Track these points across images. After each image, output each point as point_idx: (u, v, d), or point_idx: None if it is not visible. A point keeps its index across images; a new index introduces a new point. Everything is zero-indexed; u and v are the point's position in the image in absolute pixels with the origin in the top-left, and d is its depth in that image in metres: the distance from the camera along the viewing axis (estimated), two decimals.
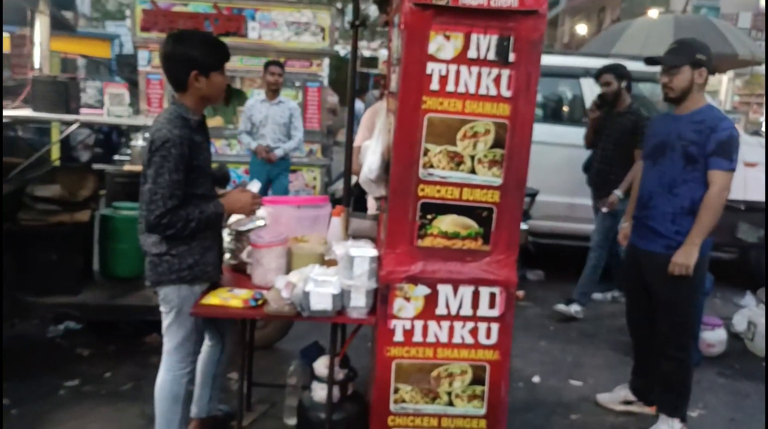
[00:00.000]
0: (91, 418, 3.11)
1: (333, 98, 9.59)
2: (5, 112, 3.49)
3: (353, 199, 3.36)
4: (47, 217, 3.45)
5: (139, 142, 5.38)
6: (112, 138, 8.44)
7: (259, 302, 2.40)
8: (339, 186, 6.72)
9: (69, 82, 3.50)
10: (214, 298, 2.40)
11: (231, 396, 3.29)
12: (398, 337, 2.39)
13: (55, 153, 4.11)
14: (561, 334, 4.64)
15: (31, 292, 3.49)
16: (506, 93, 2.25)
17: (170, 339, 2.51)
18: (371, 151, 2.39)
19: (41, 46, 4.33)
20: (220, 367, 2.85)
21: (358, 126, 3.76)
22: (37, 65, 4.34)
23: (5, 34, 9.04)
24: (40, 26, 4.24)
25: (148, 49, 6.81)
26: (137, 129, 4.32)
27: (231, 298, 2.41)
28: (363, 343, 3.18)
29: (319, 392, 2.60)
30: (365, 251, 2.35)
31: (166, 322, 2.50)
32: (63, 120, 3.59)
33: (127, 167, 5.08)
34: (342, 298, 2.33)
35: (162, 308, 2.49)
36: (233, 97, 7.04)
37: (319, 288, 2.30)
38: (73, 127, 3.58)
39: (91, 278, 3.88)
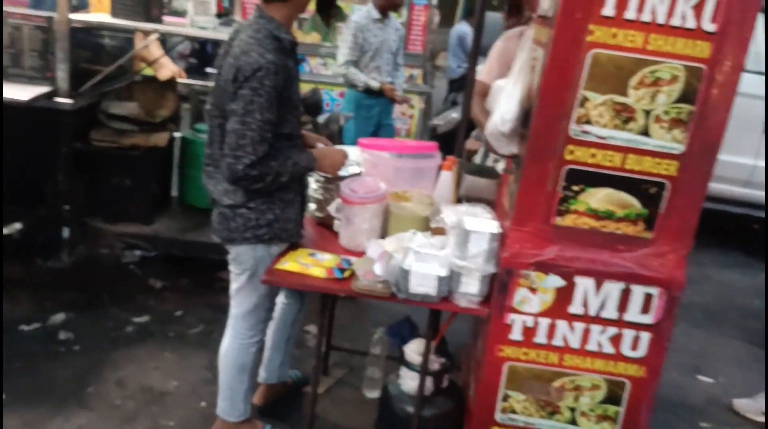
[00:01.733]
0: (153, 363, 2.83)
1: (436, 18, 8.82)
2: (82, 16, 3.10)
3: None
4: (121, 139, 3.10)
5: None
6: (206, 47, 8.07)
7: (346, 274, 1.93)
8: (439, 121, 6.11)
9: None
10: (293, 264, 1.96)
11: (305, 353, 2.93)
12: (515, 335, 1.88)
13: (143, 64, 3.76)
14: (683, 314, 3.99)
15: (101, 218, 3.21)
16: (709, 27, 1.59)
17: (239, 303, 2.12)
18: (506, 94, 1.81)
19: None
20: (295, 328, 2.46)
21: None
22: None
23: None
24: None
25: None
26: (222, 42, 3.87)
27: (312, 265, 1.96)
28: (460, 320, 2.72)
29: (409, 382, 2.16)
30: (485, 225, 1.82)
31: (235, 284, 2.10)
32: (139, 28, 3.17)
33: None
34: (450, 281, 1.83)
35: (232, 268, 2.08)
36: (333, 8, 6.38)
37: (422, 265, 1.81)
38: (152, 37, 3.17)
39: (167, 207, 3.57)
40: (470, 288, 1.83)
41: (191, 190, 3.58)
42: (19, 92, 2.67)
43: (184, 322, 3.18)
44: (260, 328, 2.18)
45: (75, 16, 2.88)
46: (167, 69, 3.75)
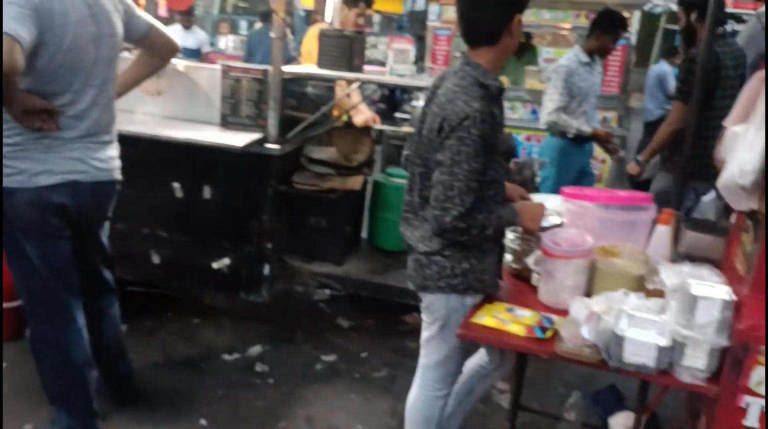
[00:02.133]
0: (339, 404, 2.87)
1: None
2: (293, 68, 3.33)
3: None
4: (320, 182, 3.25)
5: (420, 102, 5.07)
6: (395, 93, 8.40)
7: (548, 334, 1.79)
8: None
9: (355, 36, 3.20)
10: (489, 318, 1.86)
11: (491, 410, 2.80)
12: (751, 421, 1.60)
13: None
14: None
15: (298, 257, 3.37)
16: None
17: (429, 354, 2.06)
18: (746, 142, 1.58)
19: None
20: (483, 384, 2.33)
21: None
22: (327, 19, 4.20)
23: None
24: None
25: (439, 2, 6.46)
26: (420, 89, 3.95)
27: (511, 322, 1.84)
28: None
29: None
30: (715, 290, 1.59)
31: (426, 333, 2.04)
32: (343, 78, 3.33)
33: (405, 129, 4.82)
34: (671, 352, 1.61)
35: (424, 317, 2.04)
36: (527, 50, 6.29)
37: (639, 332, 1.61)
38: (354, 86, 3.30)
39: (357, 248, 3.66)
40: (696, 362, 1.60)
41: (381, 233, 3.64)
42: (235, 139, 2.91)
43: (369, 364, 3.20)
44: (449, 381, 2.09)
45: (287, 68, 3.08)
46: (364, 115, 3.90)
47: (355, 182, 3.34)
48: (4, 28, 1.81)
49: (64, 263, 2.23)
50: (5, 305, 2.96)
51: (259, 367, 3.08)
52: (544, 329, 1.80)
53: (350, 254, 3.54)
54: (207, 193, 3.07)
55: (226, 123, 3.10)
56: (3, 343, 3.03)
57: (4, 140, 2.06)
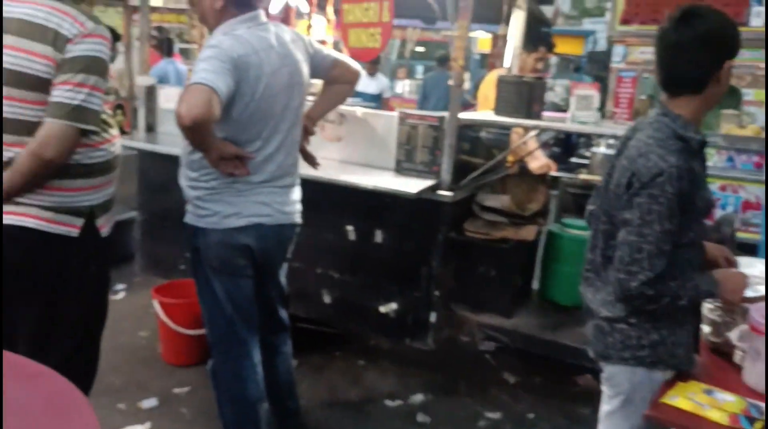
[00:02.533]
0: None
1: None
2: (469, 115, 3.31)
3: None
4: (492, 231, 3.15)
5: (601, 148, 4.82)
6: (571, 137, 8.09)
7: (756, 426, 1.53)
8: None
9: (534, 82, 3.11)
10: (683, 400, 1.64)
11: None
12: None
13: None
14: None
15: (465, 306, 3.28)
16: None
17: None
18: None
19: (514, 43, 4.12)
20: None
21: None
22: (506, 64, 4.15)
23: (487, 35, 9.48)
24: (516, 22, 4.00)
25: (625, 43, 6.15)
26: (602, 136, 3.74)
27: (709, 407, 1.60)
28: None
29: None
30: None
31: (607, 407, 1.85)
32: (521, 125, 3.24)
33: (583, 176, 4.58)
34: None
35: (605, 389, 1.85)
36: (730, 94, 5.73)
37: None
38: (532, 133, 3.20)
39: (527, 300, 3.50)
40: None
41: (554, 286, 3.45)
42: (409, 185, 2.92)
43: (536, 428, 3.01)
44: None
45: (463, 115, 3.06)
46: (539, 162, 3.76)
47: (528, 232, 3.20)
48: (204, 80, 1.97)
49: (246, 301, 2.35)
50: (194, 332, 3.20)
51: (420, 417, 3.02)
52: (751, 420, 1.55)
53: (520, 306, 3.39)
54: (379, 237, 3.11)
55: (401, 169, 3.13)
56: (189, 367, 3.28)
57: (202, 185, 2.23)
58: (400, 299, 3.13)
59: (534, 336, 3.20)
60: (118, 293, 4.19)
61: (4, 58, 1.81)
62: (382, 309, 3.16)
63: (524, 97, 3.11)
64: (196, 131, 1.98)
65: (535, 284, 3.62)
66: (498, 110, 3.15)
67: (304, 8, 3.93)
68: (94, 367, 2.27)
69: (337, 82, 2.51)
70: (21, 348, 2.05)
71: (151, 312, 3.38)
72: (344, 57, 2.51)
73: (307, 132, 2.52)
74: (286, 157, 2.32)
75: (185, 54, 10.38)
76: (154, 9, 7.38)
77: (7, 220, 1.91)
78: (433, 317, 3.09)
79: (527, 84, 3.12)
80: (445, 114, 3.02)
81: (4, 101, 1.85)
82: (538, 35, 4.22)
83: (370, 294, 3.18)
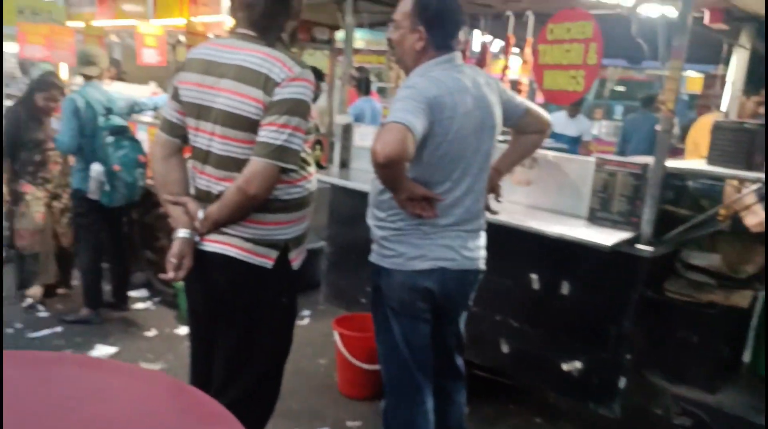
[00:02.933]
0: None
1: None
2: (677, 163, 3.02)
3: None
4: (697, 293, 2.82)
5: None
6: None
7: None
8: None
9: (756, 129, 2.75)
10: None
11: None
12: None
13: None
14: None
15: (659, 374, 2.95)
16: None
17: None
18: None
19: (733, 85, 3.72)
20: None
21: None
22: (723, 108, 3.75)
23: (698, 75, 8.78)
24: (737, 62, 3.61)
25: None
26: None
27: None
28: None
29: None
30: None
31: None
32: (740, 178, 2.88)
33: None
34: None
35: None
36: None
37: None
38: (753, 187, 2.83)
39: (735, 375, 3.06)
40: None
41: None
42: (603, 236, 2.71)
43: None
44: None
45: (671, 164, 2.79)
46: (758, 218, 3.31)
47: (741, 298, 2.81)
48: (400, 119, 1.98)
49: (423, 345, 2.31)
50: (370, 366, 3.23)
51: None
52: None
53: (726, 381, 2.97)
54: (565, 288, 2.92)
55: (594, 218, 2.92)
56: (363, 401, 3.31)
57: (389, 225, 2.24)
58: (584, 358, 2.90)
59: (742, 417, 2.78)
60: (304, 319, 4.40)
61: (224, 101, 1.98)
62: (565, 366, 2.95)
63: (744, 145, 2.77)
64: (389, 169, 2.00)
65: (747, 357, 3.16)
66: (711, 159, 2.83)
67: (500, 48, 3.90)
68: (277, 393, 2.36)
69: (528, 132, 2.42)
70: (216, 369, 2.20)
71: (332, 341, 3.48)
72: (536, 106, 2.42)
73: (493, 186, 2.45)
74: (474, 201, 2.26)
75: (382, 93, 10.89)
76: (357, 51, 7.84)
77: (214, 248, 2.07)
78: (621, 382, 2.81)
79: (748, 131, 2.78)
80: (650, 161, 2.77)
81: (220, 140, 2.01)
82: (760, 77, 3.78)
83: (551, 348, 2.99)
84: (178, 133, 2.15)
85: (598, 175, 2.93)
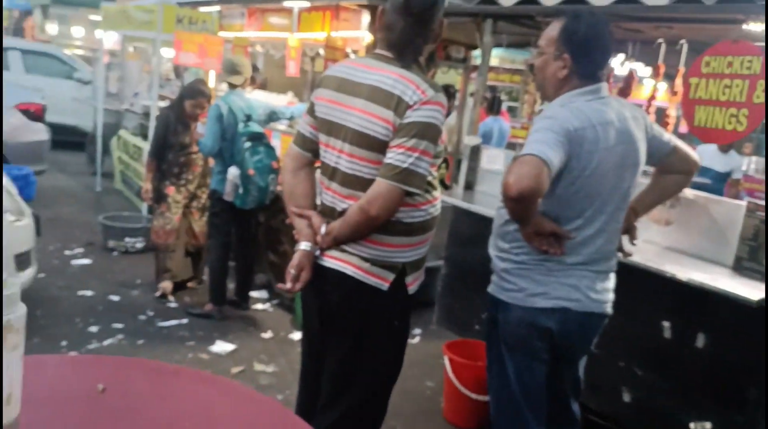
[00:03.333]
0: None
1: None
2: None
3: None
4: None
5: None
6: None
7: None
8: None
9: None
10: None
11: None
12: None
13: None
14: None
15: None
16: None
17: None
18: None
19: None
20: None
21: None
22: None
23: None
24: None
25: None
26: None
27: None
28: None
29: None
30: None
31: None
32: None
33: None
34: None
35: None
36: None
37: None
38: None
39: None
40: None
41: None
42: (749, 289, 2.46)
43: None
44: None
45: None
46: None
47: None
48: (537, 152, 1.89)
49: (537, 385, 2.19)
50: (479, 397, 3.13)
51: None
52: None
53: None
54: (701, 341, 2.67)
55: (741, 268, 2.67)
56: None
57: (512, 257, 2.15)
58: (716, 419, 2.64)
59: None
60: (414, 337, 4.36)
61: (355, 119, 1.98)
62: (692, 425, 2.69)
63: None
64: (520, 203, 1.92)
65: None
66: None
67: (650, 74, 3.66)
68: (382, 414, 2.33)
69: (673, 171, 2.25)
70: (324, 384, 2.20)
71: (441, 363, 3.41)
72: (685, 145, 2.24)
73: (629, 226, 2.29)
74: (607, 241, 2.12)
75: (512, 112, 10.68)
76: (491, 68, 7.74)
77: (332, 264, 2.08)
78: None
79: None
80: None
81: (348, 158, 2.02)
82: None
83: (679, 403, 2.75)
84: (310, 147, 2.18)
85: (749, 221, 2.67)
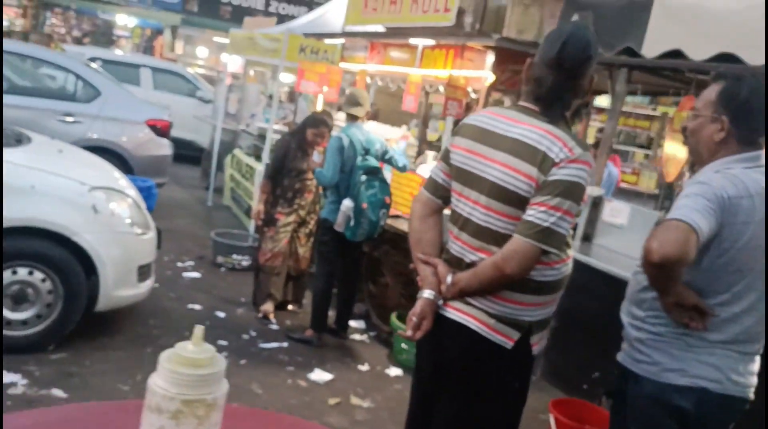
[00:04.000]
0: None
1: None
2: None
3: None
4: None
5: None
6: None
7: None
8: None
9: None
10: None
11: None
12: None
13: None
14: None
15: None
16: None
17: None
18: None
19: None
20: None
21: None
22: None
23: None
24: None
25: None
26: None
27: None
28: None
29: None
30: None
31: None
32: None
33: None
34: None
35: None
36: None
37: None
38: None
39: None
40: None
41: None
42: None
43: None
44: None
45: None
46: None
47: None
48: (685, 218, 1.78)
49: None
50: None
51: None
52: None
53: None
54: None
55: None
56: None
57: (648, 327, 2.02)
58: None
59: None
60: None
61: (495, 172, 1.94)
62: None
63: None
64: (662, 271, 1.81)
65: None
66: None
67: None
68: None
69: None
70: None
71: (542, 419, 3.27)
72: None
73: None
74: (757, 321, 1.95)
75: (623, 156, 10.31)
76: (624, 113, 7.49)
77: (456, 316, 2.02)
78: None
79: None
80: None
81: (484, 210, 1.96)
82: None
83: None
84: (441, 194, 2.16)
85: None
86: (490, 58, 4.40)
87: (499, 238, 1.94)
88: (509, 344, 1.99)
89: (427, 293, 2.06)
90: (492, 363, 2.02)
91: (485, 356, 2.01)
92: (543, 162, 1.86)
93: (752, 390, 2.02)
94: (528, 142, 1.90)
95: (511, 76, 4.47)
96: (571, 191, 1.85)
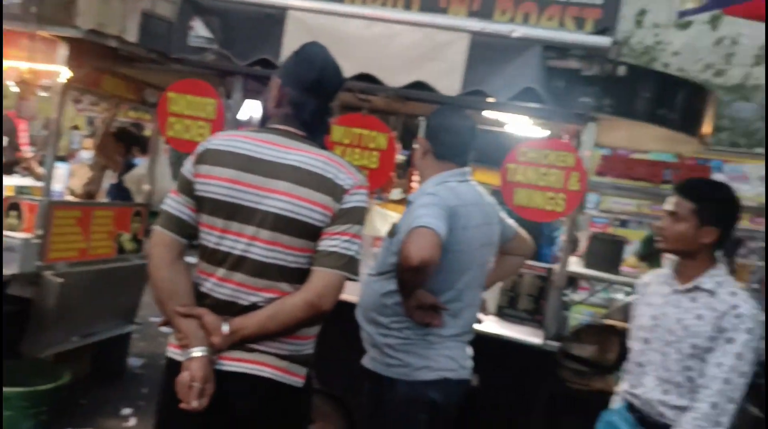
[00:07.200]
0: None
1: None
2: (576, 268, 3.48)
3: None
4: (579, 380, 3.24)
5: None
6: None
7: None
8: None
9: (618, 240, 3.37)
10: None
11: None
12: None
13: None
14: None
15: None
16: None
17: None
18: None
19: None
20: None
21: None
22: None
23: None
24: None
25: (597, 193, 6.77)
26: None
27: None
28: None
29: None
30: None
31: None
32: (607, 279, 3.45)
33: None
34: None
35: None
36: None
37: None
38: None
39: None
40: None
41: None
42: (511, 331, 2.99)
43: None
44: None
45: (570, 268, 3.22)
46: None
47: (607, 383, 3.31)
48: (430, 224, 2.03)
49: None
50: None
51: None
52: None
53: None
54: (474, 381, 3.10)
55: (502, 314, 3.21)
56: None
57: (394, 333, 2.19)
58: None
59: None
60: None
61: (276, 203, 1.76)
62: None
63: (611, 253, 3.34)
64: (419, 274, 2.01)
65: None
66: (588, 264, 3.35)
67: None
68: None
69: (512, 254, 2.57)
70: None
71: None
72: (523, 231, 2.57)
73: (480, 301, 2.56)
74: (473, 314, 2.34)
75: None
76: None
77: (244, 368, 1.78)
78: None
79: (615, 242, 3.37)
80: (554, 266, 3.16)
81: (266, 245, 1.77)
82: None
83: None
84: (188, 232, 1.83)
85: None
86: (64, 51, 3.74)
87: (287, 274, 1.79)
88: (300, 382, 1.87)
89: (199, 351, 1.75)
90: (290, 408, 1.86)
91: (282, 403, 1.84)
92: (334, 190, 1.79)
93: (471, 371, 2.38)
94: (314, 170, 1.79)
95: (91, 73, 3.92)
96: (363, 217, 1.84)
